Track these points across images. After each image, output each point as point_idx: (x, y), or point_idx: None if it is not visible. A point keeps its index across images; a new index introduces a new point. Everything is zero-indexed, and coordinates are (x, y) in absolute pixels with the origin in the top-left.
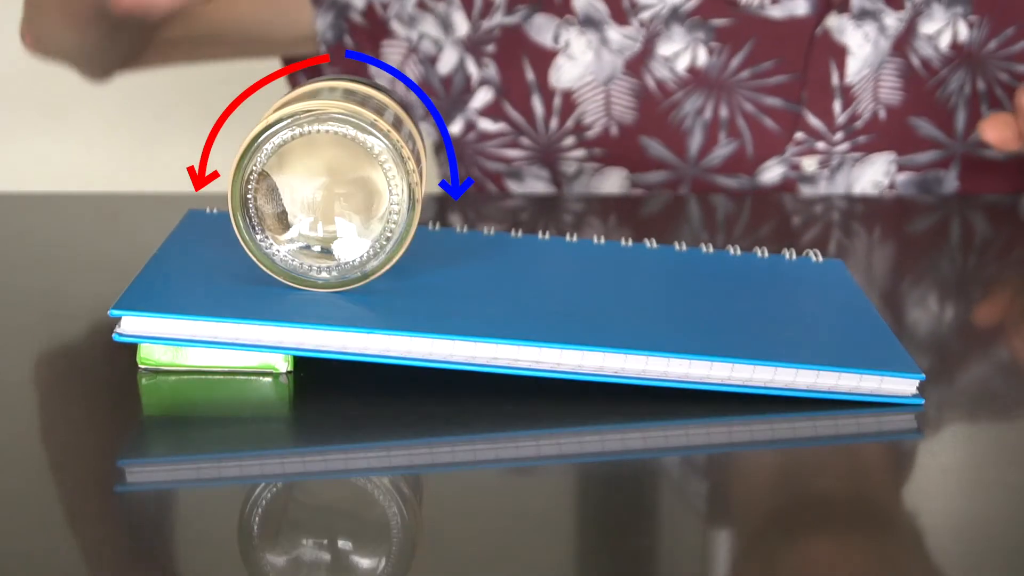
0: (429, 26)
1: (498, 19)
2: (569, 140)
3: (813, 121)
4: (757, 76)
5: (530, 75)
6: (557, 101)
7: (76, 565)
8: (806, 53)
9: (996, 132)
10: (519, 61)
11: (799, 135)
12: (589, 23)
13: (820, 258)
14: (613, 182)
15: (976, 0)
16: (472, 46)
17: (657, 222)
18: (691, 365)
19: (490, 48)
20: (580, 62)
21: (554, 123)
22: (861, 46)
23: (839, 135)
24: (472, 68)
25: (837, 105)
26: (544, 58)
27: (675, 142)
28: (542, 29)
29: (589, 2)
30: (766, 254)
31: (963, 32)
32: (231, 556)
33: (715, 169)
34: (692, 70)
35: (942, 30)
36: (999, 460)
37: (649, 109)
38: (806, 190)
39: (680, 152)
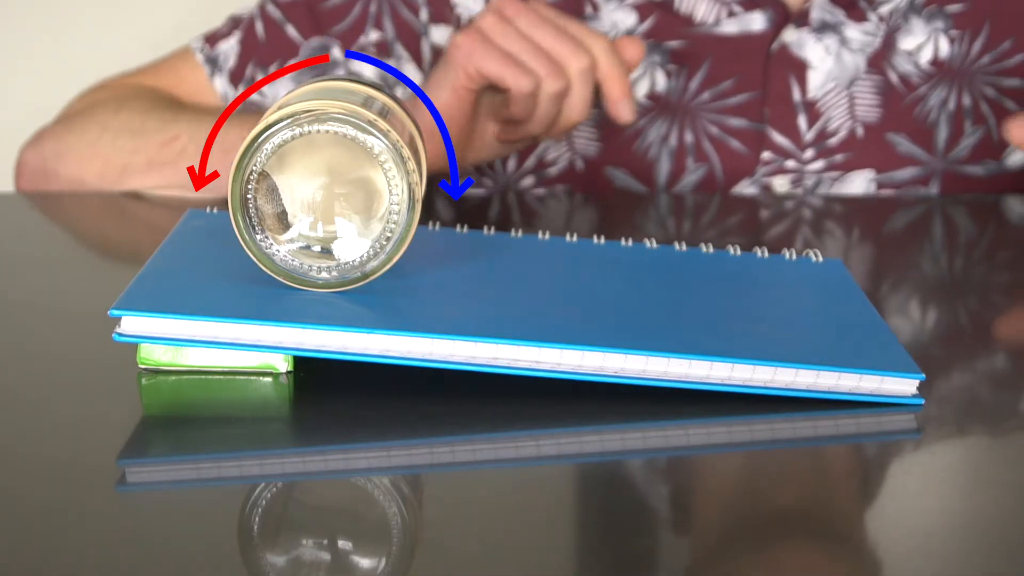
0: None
1: None
2: (528, 180)
3: (778, 139)
4: (718, 97)
5: None
6: None
7: (76, 565)
8: (764, 69)
9: (1022, 132)
10: None
11: (766, 155)
12: None
13: (820, 258)
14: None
15: (957, 15)
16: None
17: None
18: (691, 365)
19: None
20: None
21: (511, 164)
22: (822, 59)
23: (809, 152)
24: None
25: (802, 121)
26: None
27: (642, 171)
28: None
29: None
30: (766, 254)
31: (944, 48)
32: (231, 556)
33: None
34: (652, 96)
35: (923, 45)
36: (998, 460)
37: (612, 138)
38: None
39: (648, 181)
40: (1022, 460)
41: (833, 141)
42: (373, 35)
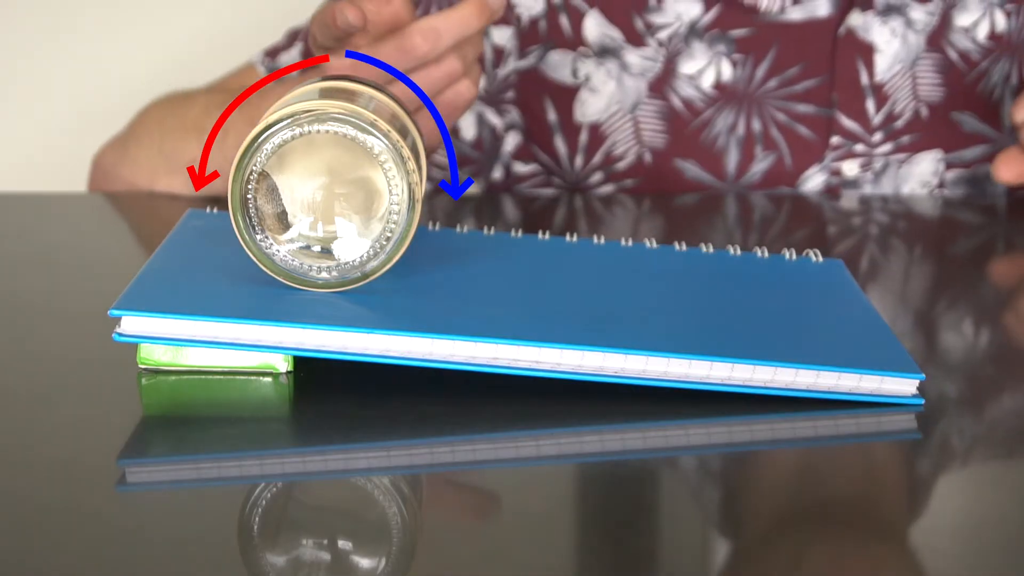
0: None
1: (512, 65)
2: (597, 176)
3: (847, 123)
4: (785, 84)
5: (552, 115)
6: (583, 137)
7: (76, 565)
8: (831, 54)
9: (1010, 170)
10: (540, 102)
11: (835, 139)
12: (605, 52)
13: (820, 258)
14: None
15: None
16: (489, 98)
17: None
18: (691, 365)
19: (509, 95)
20: (603, 93)
21: (579, 161)
22: (889, 42)
23: (878, 136)
24: (494, 119)
25: (871, 105)
26: (566, 95)
27: (711, 162)
28: (559, 66)
29: (602, 31)
30: (766, 254)
31: (1001, 22)
32: (231, 556)
33: (755, 185)
34: (718, 86)
35: (978, 21)
36: (998, 460)
37: (679, 130)
38: (851, 195)
39: (717, 172)
40: (1022, 460)
41: (899, 123)
42: None
